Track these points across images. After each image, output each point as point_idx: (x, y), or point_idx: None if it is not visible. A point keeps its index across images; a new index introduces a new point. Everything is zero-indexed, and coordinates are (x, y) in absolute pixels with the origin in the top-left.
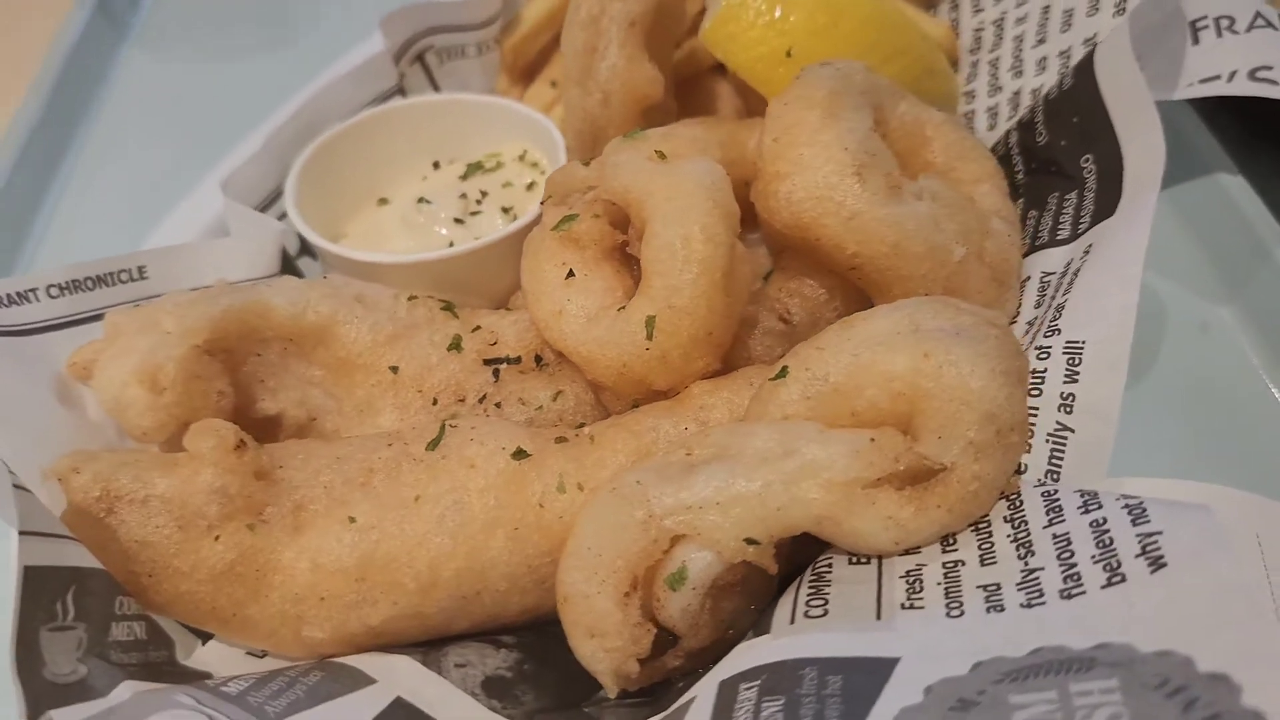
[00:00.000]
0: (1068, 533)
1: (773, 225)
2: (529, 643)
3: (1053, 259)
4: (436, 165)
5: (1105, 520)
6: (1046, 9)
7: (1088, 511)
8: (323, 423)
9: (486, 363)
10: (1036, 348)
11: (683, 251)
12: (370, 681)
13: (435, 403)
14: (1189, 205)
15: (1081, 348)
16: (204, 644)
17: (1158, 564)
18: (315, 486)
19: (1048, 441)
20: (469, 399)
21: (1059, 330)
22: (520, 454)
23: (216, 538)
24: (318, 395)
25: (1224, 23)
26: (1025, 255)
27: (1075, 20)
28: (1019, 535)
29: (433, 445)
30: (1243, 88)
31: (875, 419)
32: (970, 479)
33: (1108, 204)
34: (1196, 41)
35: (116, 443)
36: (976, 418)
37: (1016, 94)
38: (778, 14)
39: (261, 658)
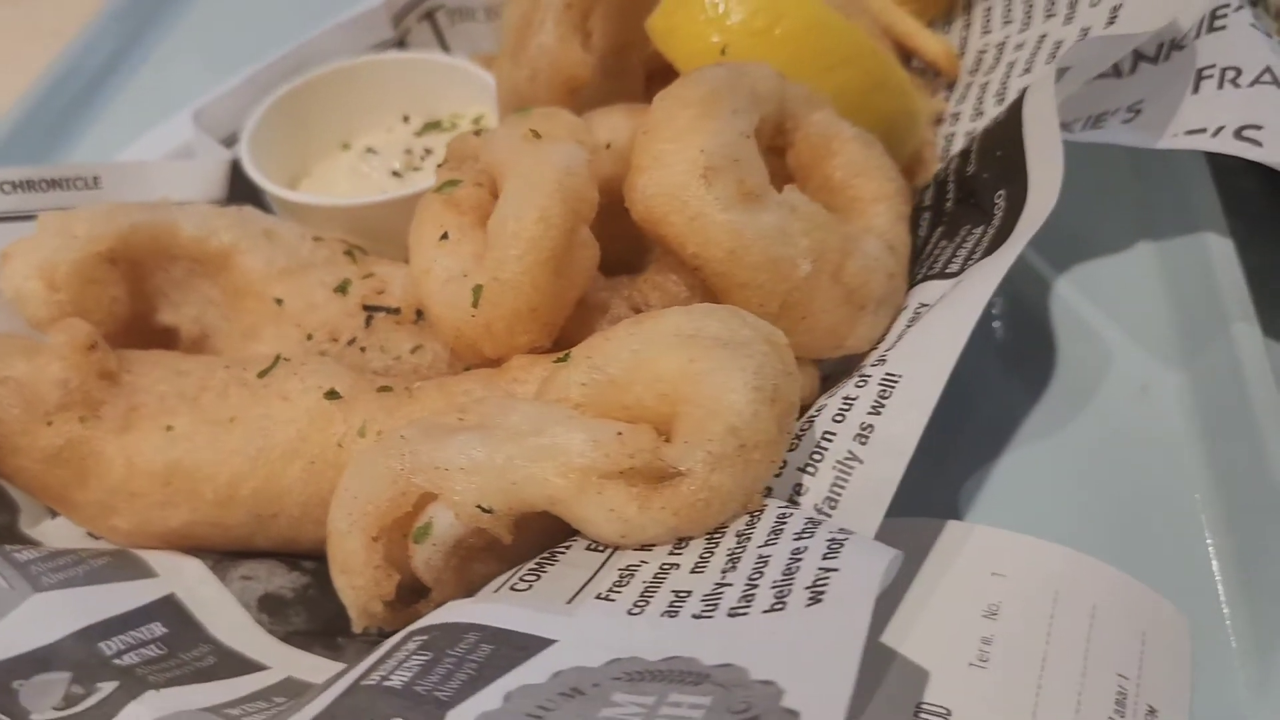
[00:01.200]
0: (770, 555)
1: (633, 217)
2: (322, 571)
3: (932, 291)
4: (406, 119)
5: (805, 549)
6: (1041, 39)
7: (799, 539)
8: (214, 341)
9: (365, 308)
10: (859, 374)
11: (513, 227)
12: (152, 575)
13: (310, 338)
14: (1168, 261)
15: (896, 381)
16: (52, 518)
17: (815, 599)
18: (152, 394)
19: (834, 469)
20: (341, 340)
21: (885, 361)
22: (332, 395)
23: (50, 423)
24: (214, 315)
25: (1229, 74)
26: (916, 284)
27: (1061, 52)
28: (735, 551)
29: (262, 374)
30: (1225, 145)
31: (641, 416)
32: (702, 488)
33: (997, 244)
34: (1196, 90)
35: (24, 328)
36: (720, 429)
37: None
38: (720, 10)
39: (97, 540)
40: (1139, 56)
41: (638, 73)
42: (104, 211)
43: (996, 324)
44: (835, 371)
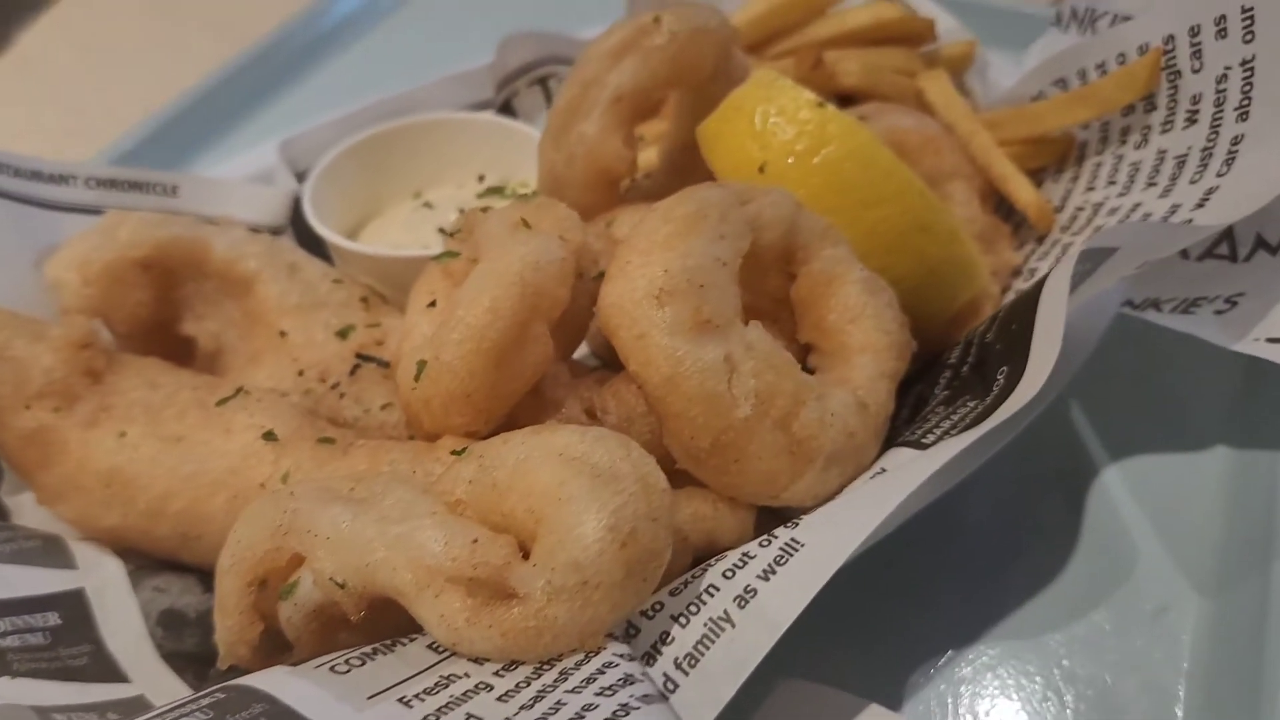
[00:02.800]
0: (567, 703)
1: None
2: None
3: (900, 459)
4: (481, 179)
5: (596, 707)
6: (1135, 208)
7: (601, 694)
8: (226, 358)
9: (357, 356)
10: (768, 533)
11: (462, 312)
12: (71, 567)
13: (301, 374)
14: (1229, 473)
15: (795, 550)
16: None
17: None
18: (124, 398)
19: (705, 625)
20: (328, 381)
21: (797, 525)
22: (270, 436)
23: (28, 407)
24: (231, 335)
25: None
26: (893, 446)
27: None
28: (546, 689)
29: (220, 402)
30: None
31: (512, 527)
32: (533, 615)
33: (977, 423)
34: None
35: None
36: (564, 561)
37: None
38: (767, 126)
39: (56, 520)
40: (1260, 243)
41: (703, 173)
42: (152, 220)
43: (1012, 491)
44: None
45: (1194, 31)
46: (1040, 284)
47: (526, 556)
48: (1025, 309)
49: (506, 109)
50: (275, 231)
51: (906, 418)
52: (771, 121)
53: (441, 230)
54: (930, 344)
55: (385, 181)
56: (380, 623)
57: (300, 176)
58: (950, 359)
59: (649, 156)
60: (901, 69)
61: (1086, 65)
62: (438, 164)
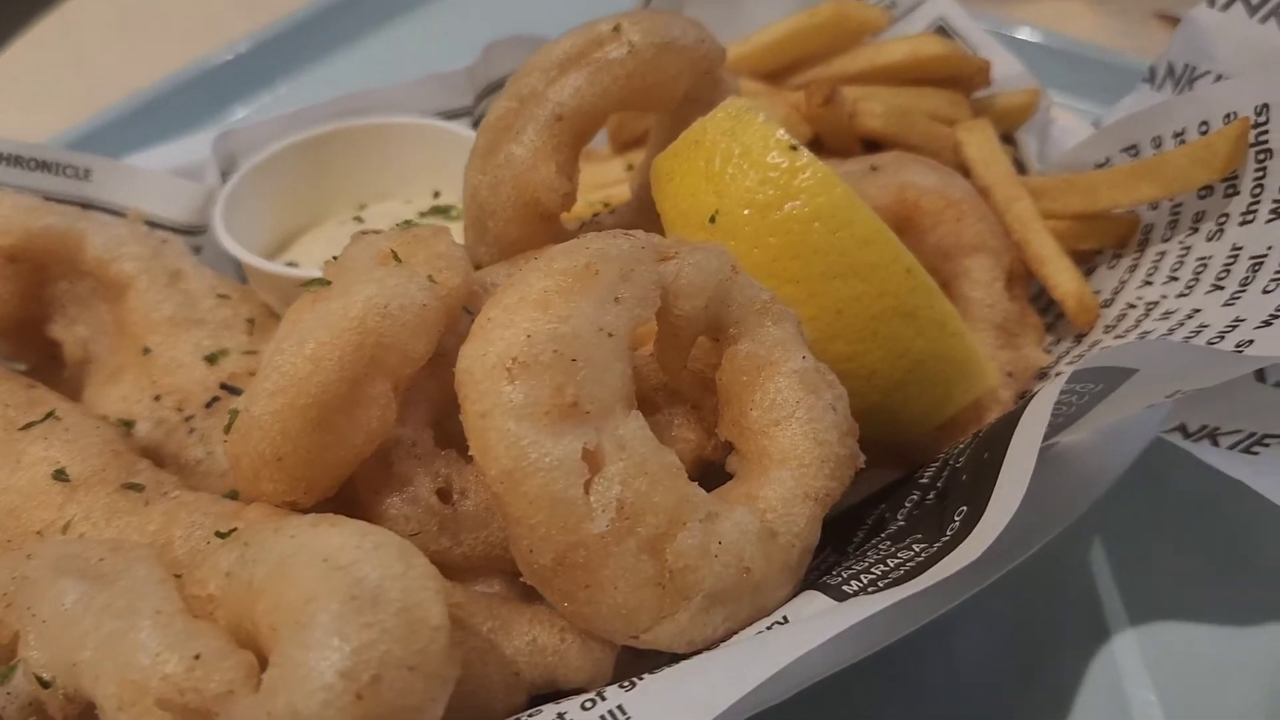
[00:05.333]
0: None
1: None
2: None
3: (810, 607)
4: (436, 195)
5: None
6: (1192, 314)
7: None
8: (90, 370)
9: (221, 387)
10: (599, 691)
11: (279, 359)
12: None
13: (158, 399)
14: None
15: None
16: None
17: None
18: None
19: None
20: (184, 412)
21: (632, 686)
22: (60, 475)
23: None
24: (101, 344)
25: None
26: (807, 588)
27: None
28: None
29: (26, 426)
30: None
31: (256, 639)
32: None
33: (910, 578)
34: None
35: None
36: (284, 706)
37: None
38: (727, 169)
39: None
40: None
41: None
42: (25, 205)
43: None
44: None
45: None
46: (1021, 410)
47: None
48: (1002, 436)
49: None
50: (192, 232)
51: (859, 542)
52: (732, 162)
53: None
54: (915, 453)
55: (327, 189)
56: None
57: (227, 175)
58: (924, 476)
59: (624, 192)
60: (941, 115)
61: (1163, 132)
62: (389, 174)
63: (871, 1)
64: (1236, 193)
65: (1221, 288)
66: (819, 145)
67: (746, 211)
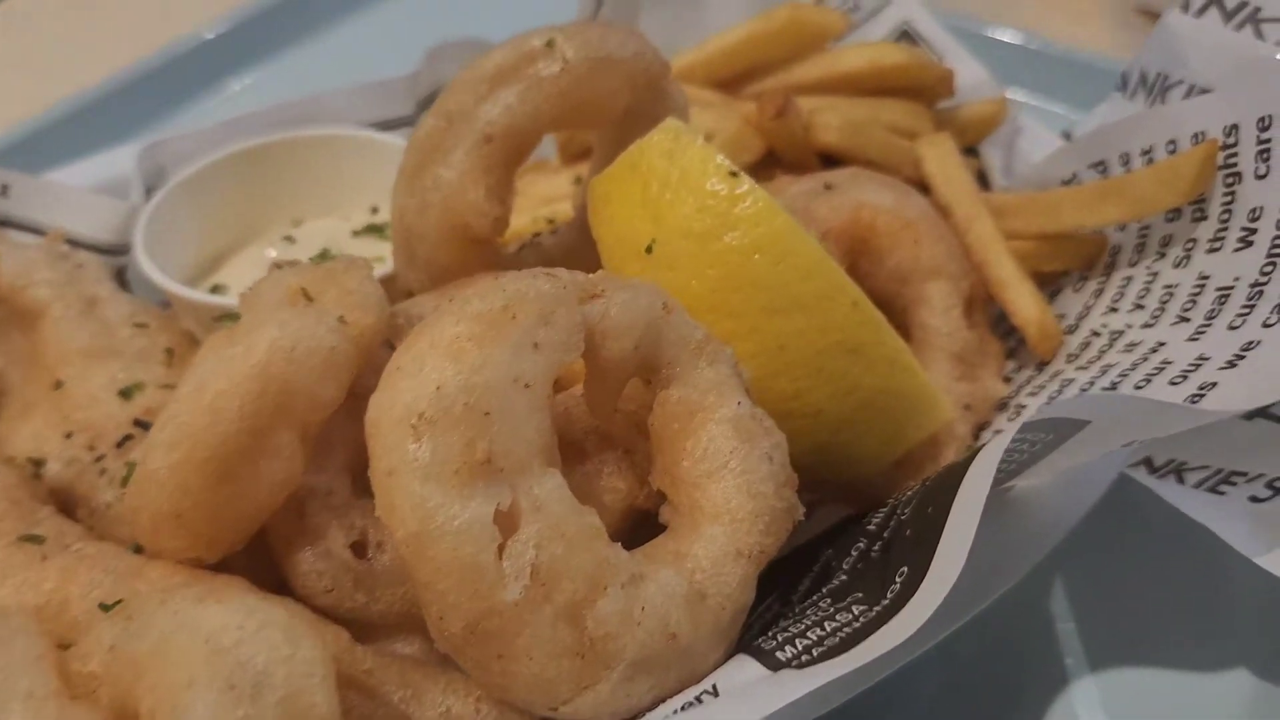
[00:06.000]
0: None
1: None
2: None
3: (741, 674)
4: (375, 211)
5: None
6: (1156, 348)
7: None
8: (4, 403)
9: (135, 423)
10: None
11: (175, 408)
12: None
13: (69, 436)
14: None
15: None
16: None
17: None
18: None
19: None
20: (96, 450)
21: None
22: None
23: None
24: (15, 374)
25: None
26: (738, 653)
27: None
28: None
29: None
30: None
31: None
32: None
33: (846, 647)
34: None
35: None
36: None
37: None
38: (664, 194)
39: None
40: None
41: None
42: None
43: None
44: None
45: (1264, 124)
46: (974, 457)
47: None
48: (947, 490)
49: None
50: (116, 251)
51: (803, 592)
52: (670, 189)
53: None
54: (869, 489)
55: (259, 205)
56: None
57: (154, 189)
58: (871, 523)
59: (568, 209)
60: (901, 127)
61: (1132, 149)
62: (325, 189)
63: (835, 4)
64: (1204, 217)
65: (1187, 319)
66: (773, 159)
67: (684, 241)
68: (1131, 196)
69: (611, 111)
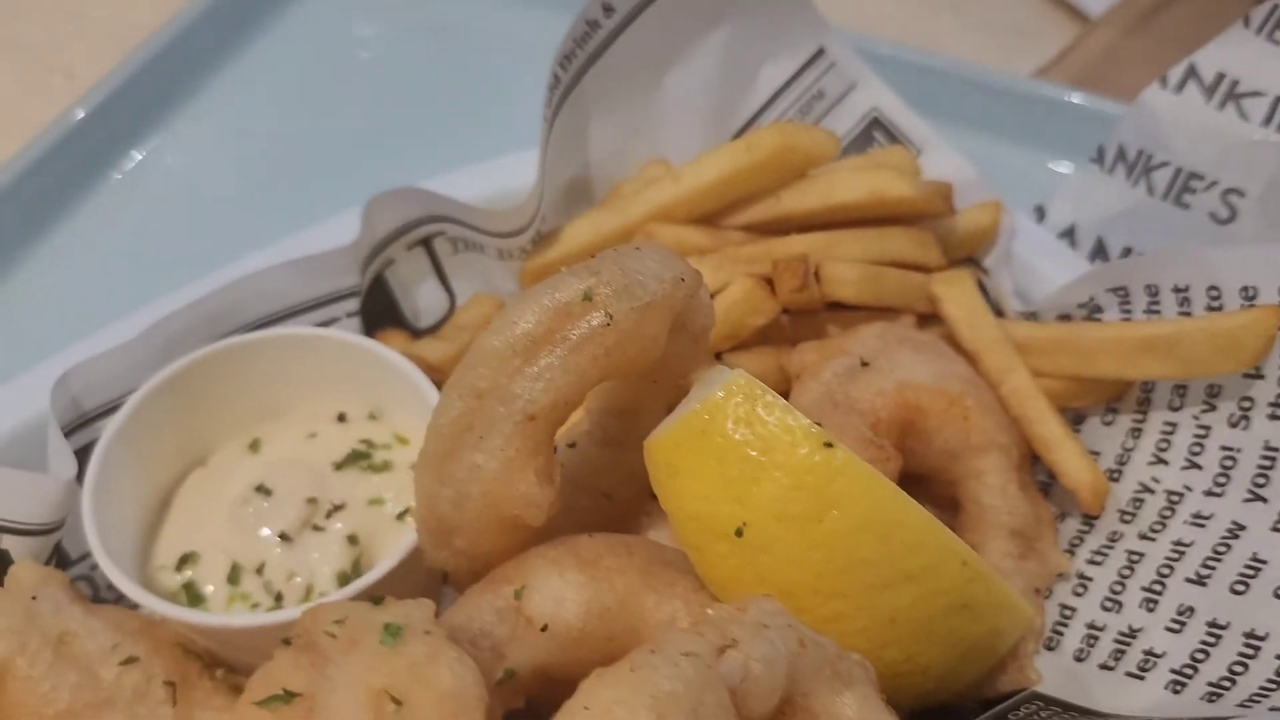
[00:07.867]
0: None
1: None
2: None
3: None
4: (341, 419)
5: None
6: (1236, 531)
7: None
8: None
9: None
10: None
11: None
12: None
13: None
14: None
15: None
16: None
17: None
18: None
19: None
20: None
21: None
22: None
23: None
24: None
25: None
26: None
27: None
28: None
29: None
30: None
31: None
32: None
33: None
34: None
35: None
36: None
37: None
38: (747, 475)
39: None
40: None
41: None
42: None
43: None
44: None
45: None
46: None
47: None
48: None
49: (379, 286)
50: (51, 530)
51: None
52: (753, 464)
53: (283, 534)
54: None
55: (206, 425)
56: None
57: (73, 430)
58: None
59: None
60: (909, 259)
61: (1161, 282)
62: (279, 396)
63: (800, 91)
64: (1260, 377)
65: (1263, 499)
66: (783, 312)
67: (779, 525)
68: (1181, 356)
69: (654, 356)
